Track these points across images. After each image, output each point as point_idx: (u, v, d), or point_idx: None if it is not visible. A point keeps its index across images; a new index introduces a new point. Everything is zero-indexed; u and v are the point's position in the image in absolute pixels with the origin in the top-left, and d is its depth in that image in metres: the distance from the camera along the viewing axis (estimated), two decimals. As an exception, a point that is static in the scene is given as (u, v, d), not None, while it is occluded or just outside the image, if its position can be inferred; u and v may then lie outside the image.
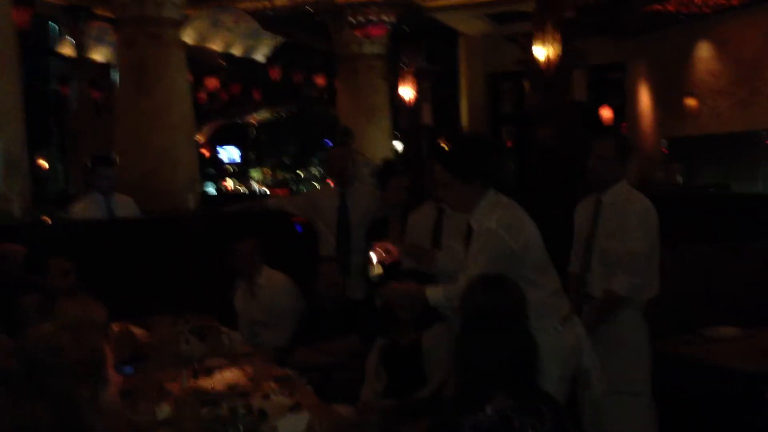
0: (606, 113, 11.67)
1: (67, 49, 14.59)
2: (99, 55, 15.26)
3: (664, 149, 11.53)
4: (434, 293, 2.93)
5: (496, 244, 2.85)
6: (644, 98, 11.93)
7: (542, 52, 7.22)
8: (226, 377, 3.24)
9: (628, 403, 3.42)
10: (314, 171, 12.26)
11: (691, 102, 10.68)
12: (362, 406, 3.25)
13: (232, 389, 3.06)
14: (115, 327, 3.93)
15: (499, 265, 2.79)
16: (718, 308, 4.15)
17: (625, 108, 12.27)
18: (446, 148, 3.03)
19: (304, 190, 11.56)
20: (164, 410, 2.73)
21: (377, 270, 2.78)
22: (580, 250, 3.72)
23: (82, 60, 14.99)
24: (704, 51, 10.77)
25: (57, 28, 16.75)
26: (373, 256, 2.83)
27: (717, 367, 3.45)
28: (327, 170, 5.40)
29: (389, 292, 3.07)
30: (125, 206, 5.56)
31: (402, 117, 12.06)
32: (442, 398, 3.08)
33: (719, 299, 4.20)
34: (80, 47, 14.07)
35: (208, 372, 3.35)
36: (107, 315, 2.33)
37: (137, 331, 3.96)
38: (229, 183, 20.21)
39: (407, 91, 11.23)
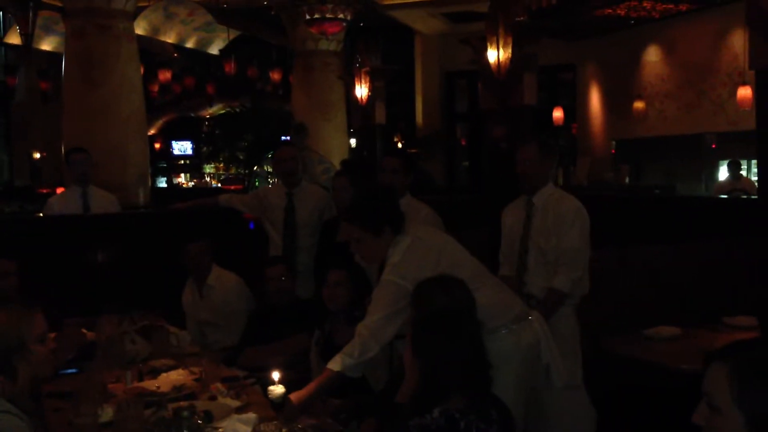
0: (557, 114, 11.86)
1: (14, 38, 14.25)
2: (47, 44, 14.91)
3: (612, 150, 11.78)
4: (337, 363, 2.89)
5: (393, 291, 2.93)
6: (594, 100, 12.15)
7: (494, 54, 7.30)
8: (172, 378, 3.21)
9: (570, 397, 3.49)
10: (268, 167, 12.17)
11: (639, 104, 10.92)
12: (313, 406, 3.24)
13: (177, 390, 3.03)
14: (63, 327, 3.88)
15: (401, 305, 2.87)
16: (662, 308, 4.26)
17: (576, 109, 12.49)
18: (355, 208, 3.13)
19: (258, 185, 11.47)
20: (107, 412, 2.69)
21: (278, 390, 2.71)
22: (513, 251, 3.79)
23: (29, 50, 14.65)
24: (653, 55, 11.03)
25: (3, 16, 16.31)
26: (275, 375, 2.77)
27: (655, 365, 3.55)
28: (275, 170, 5.35)
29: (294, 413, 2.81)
30: (103, 201, 5.46)
31: (355, 115, 12.08)
32: (387, 397, 3.10)
33: (663, 299, 4.31)
34: (27, 36, 13.73)
35: (154, 373, 3.31)
36: (45, 326, 2.29)
37: (81, 331, 3.90)
38: (182, 177, 19.95)
39: (361, 90, 11.25)
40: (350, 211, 3.17)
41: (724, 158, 10.00)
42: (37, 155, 16.11)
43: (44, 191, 9.78)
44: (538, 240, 3.68)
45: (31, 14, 13.39)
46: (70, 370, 3.39)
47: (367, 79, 11.18)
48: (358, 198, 3.18)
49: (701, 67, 10.24)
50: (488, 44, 7.28)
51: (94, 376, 3.21)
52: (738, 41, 9.20)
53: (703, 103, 10.23)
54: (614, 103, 11.63)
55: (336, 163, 8.22)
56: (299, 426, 2.59)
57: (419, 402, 2.18)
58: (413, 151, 12.79)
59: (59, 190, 6.02)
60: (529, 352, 3.03)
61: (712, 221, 5.49)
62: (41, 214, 5.72)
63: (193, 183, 19.08)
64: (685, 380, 3.51)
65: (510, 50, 7.15)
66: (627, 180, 10.95)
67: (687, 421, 3.42)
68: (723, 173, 9.97)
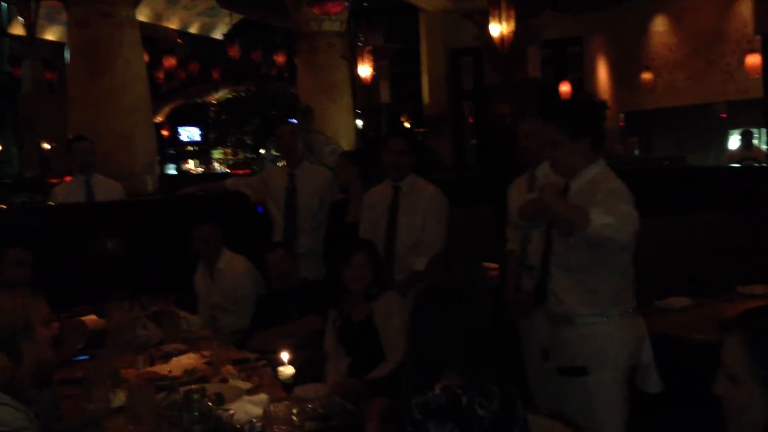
0: (564, 88, 11.76)
1: (18, 29, 14.25)
2: (51, 34, 14.89)
3: (621, 123, 11.68)
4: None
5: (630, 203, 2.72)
6: (602, 72, 12.04)
7: (497, 29, 7.22)
8: (183, 362, 3.22)
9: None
10: (274, 151, 12.17)
11: (647, 76, 10.81)
12: (331, 387, 3.24)
13: (189, 374, 3.04)
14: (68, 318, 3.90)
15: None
16: (672, 279, 4.23)
17: (583, 82, 12.38)
18: (560, 106, 2.91)
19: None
20: (119, 397, 2.70)
21: (288, 371, 2.70)
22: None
23: (33, 40, 14.63)
24: (660, 25, 10.90)
25: (6, 7, 16.29)
26: (284, 356, 2.75)
27: (668, 337, 3.52)
28: (276, 148, 5.32)
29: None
30: (107, 189, 5.47)
31: (360, 95, 12.02)
32: (398, 377, 3.10)
33: (673, 270, 4.28)
34: (30, 26, 13.71)
35: (165, 357, 3.32)
36: (47, 311, 2.30)
37: (92, 319, 3.91)
38: (190, 164, 19.96)
39: (365, 69, 11.18)
40: (551, 110, 2.95)
41: (734, 127, 9.91)
42: (46, 146, 16.16)
43: (53, 181, 9.80)
44: None
45: (33, 4, 13.36)
46: (81, 357, 3.40)
47: (371, 58, 11.11)
48: (561, 100, 2.95)
49: (709, 35, 10.12)
50: (491, 18, 7.20)
51: (106, 361, 3.23)
52: (746, 8, 9.07)
53: (712, 72, 10.12)
54: (622, 75, 11.53)
55: (343, 144, 8.19)
56: (310, 406, 2.59)
57: (416, 378, 2.16)
58: (421, 130, 12.73)
59: (68, 180, 6.05)
60: (636, 347, 2.91)
61: (724, 191, 5.43)
62: (49, 203, 5.74)
63: (202, 169, 19.09)
64: (699, 351, 3.50)
65: (513, 24, 7.08)
66: (636, 152, 10.87)
67: (701, 391, 3.40)
68: (733, 143, 9.87)
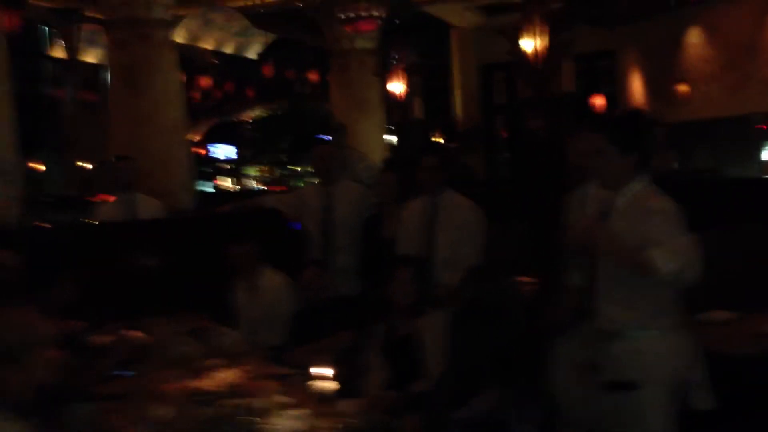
0: (599, 101, 11.68)
1: (59, 52, 14.63)
2: (91, 56, 15.26)
3: (662, 137, 11.54)
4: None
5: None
6: (636, 86, 11.94)
7: (530, 44, 7.24)
8: (225, 377, 3.26)
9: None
10: (309, 168, 12.32)
11: (682, 88, 10.71)
12: (368, 400, 3.26)
13: (230, 389, 3.08)
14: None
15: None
16: (712, 293, 4.17)
17: (617, 96, 12.29)
18: (612, 118, 2.97)
19: (302, 186, 11.63)
20: (162, 412, 2.75)
21: (329, 385, 2.73)
22: None
23: (74, 62, 15.01)
24: (695, 37, 10.79)
25: (48, 31, 16.73)
26: (325, 371, 2.77)
27: (709, 351, 3.48)
28: (313, 168, 5.39)
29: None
30: (149, 207, 5.58)
31: (393, 111, 12.08)
32: (438, 391, 3.10)
33: (714, 284, 4.22)
34: (72, 50, 14.08)
35: (207, 372, 3.37)
36: (53, 332, 2.30)
37: (135, 334, 3.99)
38: (226, 181, 20.21)
39: (398, 86, 11.25)
40: (603, 121, 3.06)
41: (772, 139, 9.76)
42: (87, 165, 16.49)
43: (94, 200, 10.01)
44: None
45: (75, 27, 13.71)
46: (125, 373, 3.47)
47: (404, 75, 11.18)
48: (615, 112, 3.01)
49: (745, 47, 10.00)
50: (524, 33, 7.22)
51: (149, 377, 3.29)
52: (783, 18, 8.96)
53: (749, 84, 9.99)
54: (657, 88, 11.42)
55: (375, 160, 8.23)
56: (351, 420, 2.61)
57: (454, 393, 2.17)
58: (453, 145, 12.74)
59: (109, 199, 6.20)
60: (688, 362, 2.89)
61: (763, 202, 5.35)
62: (92, 222, 5.86)
63: (238, 187, 19.31)
64: (741, 365, 3.45)
65: (546, 39, 7.09)
66: (675, 165, 10.74)
67: (742, 406, 3.34)
68: (771, 154, 9.73)
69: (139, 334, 4.00)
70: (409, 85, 11.24)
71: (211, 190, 19.34)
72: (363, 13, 9.47)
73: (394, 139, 13.58)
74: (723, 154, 10.35)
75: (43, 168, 16.84)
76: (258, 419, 2.59)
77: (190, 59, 15.53)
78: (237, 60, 17.53)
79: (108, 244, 5.25)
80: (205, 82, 16.76)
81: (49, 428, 2.58)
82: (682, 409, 2.89)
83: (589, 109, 11.51)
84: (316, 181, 5.37)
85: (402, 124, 11.80)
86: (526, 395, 2.09)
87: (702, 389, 2.92)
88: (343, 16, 9.56)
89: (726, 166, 9.95)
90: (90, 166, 16.24)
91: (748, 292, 4.17)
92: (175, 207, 7.73)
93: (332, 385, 2.76)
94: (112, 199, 5.97)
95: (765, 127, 10.14)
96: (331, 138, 8.03)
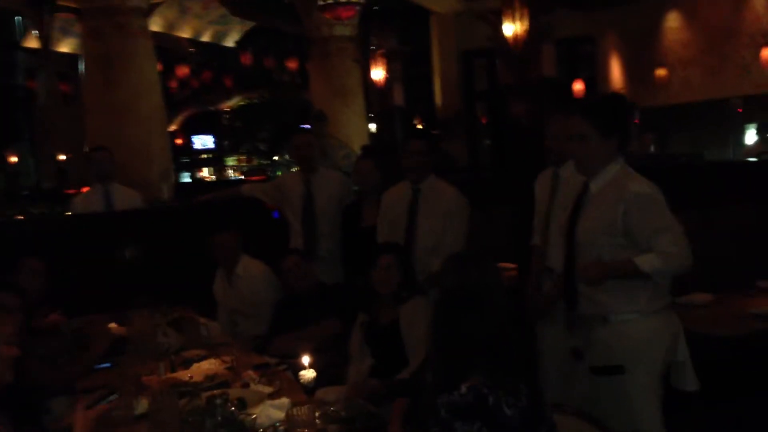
0: (577, 86, 11.71)
1: (32, 42, 14.39)
2: (66, 46, 15.02)
3: (636, 120, 11.61)
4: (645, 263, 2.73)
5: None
6: (615, 70, 11.98)
7: (510, 28, 7.21)
8: (204, 368, 3.23)
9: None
10: (288, 157, 12.24)
11: (661, 72, 10.75)
12: (350, 389, 3.25)
13: (210, 380, 3.05)
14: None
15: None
16: (694, 275, 4.19)
17: (596, 81, 12.32)
18: (594, 102, 2.98)
19: (279, 175, 11.58)
20: (142, 404, 2.72)
21: (310, 375, 2.71)
22: (541, 223, 3.73)
23: (48, 53, 14.78)
24: (673, 21, 10.83)
25: (21, 21, 16.47)
26: (305, 360, 2.76)
27: (690, 333, 3.49)
28: (292, 157, 5.35)
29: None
30: (125, 198, 5.53)
31: (374, 98, 12.02)
32: (421, 378, 3.09)
33: (695, 266, 4.24)
34: (46, 40, 13.86)
35: (186, 363, 3.34)
36: (16, 330, 2.26)
37: (113, 327, 3.94)
38: (205, 172, 20.08)
39: (378, 73, 11.19)
40: (585, 105, 3.02)
41: (750, 122, 9.83)
42: (62, 157, 16.30)
43: (71, 192, 9.89)
44: (559, 213, 3.62)
45: (47, 17, 13.49)
46: (103, 365, 3.42)
47: (384, 61, 11.12)
48: (596, 96, 3.02)
49: (723, 30, 10.04)
50: (504, 18, 7.19)
51: (128, 369, 3.25)
52: (759, 2, 9.00)
53: (727, 67, 10.04)
54: (636, 73, 11.47)
55: (356, 148, 8.19)
56: (332, 409, 2.59)
57: (440, 379, 2.16)
58: (434, 132, 12.72)
59: (84, 190, 6.11)
60: (672, 343, 2.90)
61: (742, 185, 5.38)
62: (68, 213, 5.79)
63: (215, 177, 19.20)
64: (721, 347, 3.47)
65: (527, 23, 7.06)
66: (652, 149, 10.80)
67: (723, 387, 3.36)
68: (750, 137, 9.79)
69: (116, 325, 3.95)
70: (389, 71, 11.18)
71: (188, 180, 19.22)
72: (342, 0, 9.39)
73: (375, 127, 13.53)
74: (702, 137, 10.42)
75: (17, 160, 16.63)
76: (238, 409, 2.56)
77: (167, 48, 15.37)
78: (215, 48, 17.37)
79: (87, 236, 5.18)
80: (183, 71, 16.59)
81: (27, 423, 2.54)
82: (665, 390, 2.90)
83: (571, 94, 11.53)
84: (296, 169, 5.33)
85: (382, 111, 11.74)
86: (511, 379, 2.08)
87: (686, 370, 2.94)
88: (322, 3, 9.47)
89: (705, 150, 10.03)
90: (65, 158, 16.05)
91: (727, 274, 4.19)
92: (154, 198, 7.65)
93: (313, 374, 2.74)
94: (85, 190, 5.90)
95: (741, 111, 10.22)
96: (310, 126, 7.99)
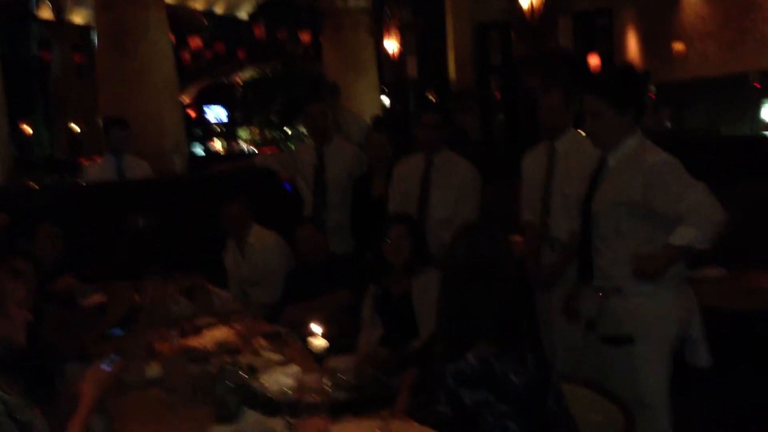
0: (594, 60, 11.57)
1: (46, 13, 14.36)
2: (79, 17, 14.99)
3: (652, 95, 11.47)
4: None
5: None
6: (632, 44, 11.82)
7: (526, 0, 7.13)
8: (215, 335, 3.25)
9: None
10: (301, 129, 12.20)
11: (678, 46, 10.59)
12: (360, 357, 3.26)
13: (221, 347, 3.08)
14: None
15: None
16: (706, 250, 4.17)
17: (613, 55, 12.17)
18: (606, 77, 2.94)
19: (292, 147, 11.58)
20: (154, 369, 2.74)
21: (320, 343, 2.70)
22: (536, 196, 3.71)
23: (62, 23, 14.76)
24: (692, -6, 10.65)
25: (34, -9, 16.41)
26: (316, 328, 2.75)
27: (704, 307, 3.48)
28: (305, 127, 5.33)
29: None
30: (137, 168, 5.57)
31: (387, 70, 11.94)
32: (431, 349, 3.09)
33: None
34: (59, 10, 13.83)
35: (198, 331, 3.36)
36: (24, 293, 2.25)
37: (128, 294, 3.96)
38: (217, 143, 20.08)
39: (392, 45, 11.09)
40: (598, 81, 2.99)
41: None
42: (76, 128, 16.34)
43: (84, 162, 9.93)
44: (563, 186, 3.58)
45: (61, -13, 13.45)
46: (116, 331, 3.45)
47: (398, 33, 11.02)
48: (609, 71, 2.98)
49: (742, 4, 9.86)
50: (520, -11, 7.11)
51: (141, 336, 3.27)
52: (781, -26, 8.83)
53: (746, 41, 9.87)
54: (653, 47, 11.31)
55: (369, 120, 8.16)
56: (342, 377, 2.60)
57: (448, 348, 2.16)
58: (447, 105, 12.62)
59: (98, 159, 6.14)
60: (686, 318, 2.88)
61: (758, 160, 5.32)
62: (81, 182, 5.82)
63: (226, 149, 19.20)
64: (733, 321, 3.45)
65: (543, -7, 6.98)
66: (668, 124, 10.68)
67: (735, 361, 3.34)
68: (767, 112, 9.66)
69: (132, 293, 3.98)
70: (403, 43, 11.08)
71: (201, 152, 19.23)
72: (356, -29, 9.29)
73: (387, 99, 13.46)
74: (719, 112, 10.28)
75: (31, 131, 16.68)
76: (249, 376, 2.58)
77: (180, 20, 15.30)
78: (228, 20, 17.28)
79: (101, 204, 5.21)
80: (196, 43, 16.51)
81: (41, 388, 2.57)
82: (678, 365, 2.89)
83: (587, 70, 11.40)
84: (308, 140, 5.31)
85: (395, 83, 11.66)
86: (520, 348, 2.08)
87: (700, 345, 2.91)
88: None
89: (722, 125, 9.90)
90: (78, 129, 16.10)
91: (742, 249, 4.16)
92: (167, 169, 7.66)
93: (323, 343, 2.74)
94: (99, 159, 5.92)
95: (758, 86, 10.05)
96: (324, 98, 7.95)
